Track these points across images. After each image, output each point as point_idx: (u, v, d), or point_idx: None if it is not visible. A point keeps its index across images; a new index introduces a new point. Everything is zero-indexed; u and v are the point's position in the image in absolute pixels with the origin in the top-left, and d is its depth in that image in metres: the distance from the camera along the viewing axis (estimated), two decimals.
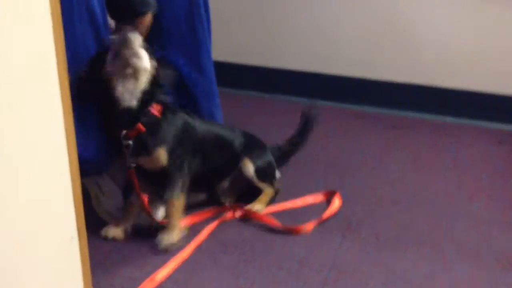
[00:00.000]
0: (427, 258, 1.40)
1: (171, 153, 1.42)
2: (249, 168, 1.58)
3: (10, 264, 0.90)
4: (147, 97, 1.37)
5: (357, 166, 1.80)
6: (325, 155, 1.86)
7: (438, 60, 2.11)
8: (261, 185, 1.60)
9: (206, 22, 1.61)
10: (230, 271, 1.35)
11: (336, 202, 1.57)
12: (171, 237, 1.41)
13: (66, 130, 0.90)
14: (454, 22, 2.07)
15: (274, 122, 2.05)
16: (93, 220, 1.42)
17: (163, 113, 1.41)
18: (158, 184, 1.47)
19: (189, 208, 1.52)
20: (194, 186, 1.52)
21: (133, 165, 1.40)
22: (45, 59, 0.88)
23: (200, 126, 1.52)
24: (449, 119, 2.12)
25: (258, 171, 1.59)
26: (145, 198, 1.43)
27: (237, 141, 1.60)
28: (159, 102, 1.41)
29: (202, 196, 1.60)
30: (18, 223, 0.89)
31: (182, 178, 1.44)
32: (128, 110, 1.35)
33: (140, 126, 1.38)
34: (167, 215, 1.44)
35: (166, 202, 1.44)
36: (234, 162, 1.59)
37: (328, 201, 1.60)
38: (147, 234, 1.45)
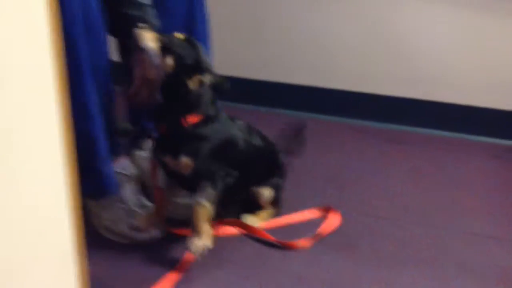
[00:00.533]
0: (426, 275, 1.40)
1: (199, 166, 1.38)
2: (269, 191, 1.57)
3: (6, 281, 0.89)
4: (174, 99, 1.35)
5: (356, 181, 1.80)
6: (323, 169, 1.86)
7: (436, 75, 2.12)
8: (268, 206, 1.59)
9: (205, 35, 1.61)
10: (228, 287, 1.34)
11: (334, 219, 1.57)
12: (201, 242, 1.37)
13: (65, 142, 0.89)
14: (451, 37, 2.07)
15: (270, 135, 2.04)
16: (91, 235, 1.41)
17: (199, 125, 1.38)
18: (184, 186, 1.47)
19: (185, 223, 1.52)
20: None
21: (155, 158, 1.41)
22: (43, 72, 0.87)
23: (246, 143, 1.47)
24: (447, 134, 2.12)
25: (274, 194, 1.58)
26: (161, 194, 1.43)
27: (278, 158, 1.60)
28: (201, 113, 1.38)
29: None
30: (14, 239, 0.88)
31: (213, 189, 1.39)
32: (158, 104, 1.37)
33: (162, 126, 1.39)
34: (193, 220, 1.40)
35: (193, 205, 1.39)
36: (264, 178, 1.57)
37: (326, 217, 1.59)
38: (145, 249, 1.44)
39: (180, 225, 1.51)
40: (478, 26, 2.03)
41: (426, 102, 2.15)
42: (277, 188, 1.59)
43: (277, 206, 1.61)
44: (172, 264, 1.38)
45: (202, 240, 1.38)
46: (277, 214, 1.61)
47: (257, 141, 1.52)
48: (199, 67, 1.35)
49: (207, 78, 1.36)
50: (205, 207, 1.38)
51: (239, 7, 2.24)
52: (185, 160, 1.38)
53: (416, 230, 1.57)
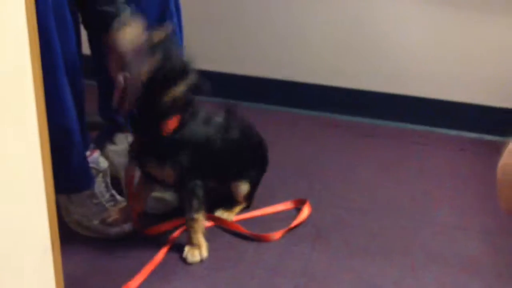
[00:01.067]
0: (396, 264, 1.43)
1: (181, 174, 1.39)
2: (246, 187, 1.58)
3: None
4: (154, 107, 1.33)
5: (327, 174, 1.82)
6: (295, 162, 1.88)
7: (406, 69, 2.15)
8: (242, 200, 1.60)
9: (178, 29, 1.61)
10: (203, 280, 1.35)
11: (306, 211, 1.59)
12: (199, 254, 1.41)
13: (41, 142, 0.89)
14: (422, 33, 2.11)
15: None
16: (63, 231, 1.40)
17: (177, 129, 1.36)
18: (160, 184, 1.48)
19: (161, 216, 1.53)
20: None
21: (134, 165, 1.42)
22: (21, 72, 0.87)
23: (224, 141, 1.46)
24: (415, 127, 2.16)
25: (251, 188, 1.59)
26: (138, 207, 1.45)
27: (260, 149, 1.60)
28: (180, 116, 1.36)
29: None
30: None
31: (197, 199, 1.41)
32: (136, 114, 1.36)
33: (141, 135, 1.38)
34: (188, 232, 1.43)
35: (186, 220, 1.43)
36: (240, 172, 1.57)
37: (298, 209, 1.61)
38: (118, 244, 1.44)
39: (152, 219, 1.52)
40: (446, 24, 2.07)
41: (396, 96, 2.18)
42: (254, 182, 1.60)
43: (250, 199, 1.62)
44: (146, 259, 1.39)
45: (199, 251, 1.41)
46: (249, 206, 1.62)
47: (235, 135, 1.51)
48: (183, 69, 1.34)
49: (190, 80, 1.35)
50: (198, 220, 1.41)
51: (221, 1, 2.23)
52: (170, 171, 1.39)
53: (385, 221, 1.60)
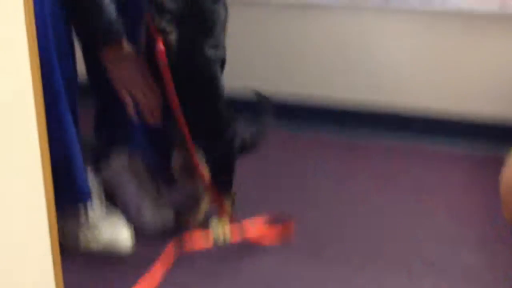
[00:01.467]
0: (394, 274, 1.43)
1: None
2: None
3: None
4: None
5: (319, 190, 1.82)
6: (285, 181, 1.87)
7: (396, 85, 2.17)
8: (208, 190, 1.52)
9: None
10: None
11: (290, 228, 1.55)
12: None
13: (40, 139, 0.89)
14: (409, 51, 2.14)
15: None
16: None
17: None
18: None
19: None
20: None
21: None
22: (22, 98, 0.87)
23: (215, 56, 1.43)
24: (406, 142, 2.16)
25: (215, 183, 1.51)
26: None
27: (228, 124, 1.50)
28: None
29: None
30: None
31: None
32: None
33: None
34: None
35: None
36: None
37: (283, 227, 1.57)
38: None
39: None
40: (434, 34, 2.10)
41: (387, 111, 2.20)
42: (216, 171, 1.50)
43: (227, 193, 1.53)
44: (143, 265, 1.38)
45: None
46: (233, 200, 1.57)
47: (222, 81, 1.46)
48: None
49: None
50: None
51: None
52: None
53: (381, 234, 1.60)
